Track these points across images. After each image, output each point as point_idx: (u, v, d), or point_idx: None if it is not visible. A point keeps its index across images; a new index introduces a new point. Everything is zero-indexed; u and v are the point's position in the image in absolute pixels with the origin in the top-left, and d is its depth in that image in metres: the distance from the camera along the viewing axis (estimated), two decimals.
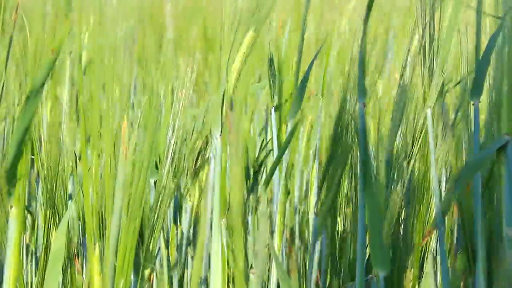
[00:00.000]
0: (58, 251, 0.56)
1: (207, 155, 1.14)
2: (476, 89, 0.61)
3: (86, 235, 0.54)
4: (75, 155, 1.01)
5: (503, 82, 0.59)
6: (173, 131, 0.79)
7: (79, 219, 0.94)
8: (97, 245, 0.55)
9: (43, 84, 0.46)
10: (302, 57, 0.90)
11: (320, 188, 0.91)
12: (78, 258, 0.91)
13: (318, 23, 1.45)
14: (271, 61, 0.95)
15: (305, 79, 0.91)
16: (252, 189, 0.95)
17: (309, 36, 1.48)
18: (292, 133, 0.76)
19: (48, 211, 0.88)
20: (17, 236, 0.49)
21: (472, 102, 0.61)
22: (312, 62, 0.92)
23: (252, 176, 1.03)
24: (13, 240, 0.49)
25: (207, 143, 1.13)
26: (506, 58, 0.59)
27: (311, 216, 1.21)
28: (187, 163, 1.13)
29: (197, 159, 1.15)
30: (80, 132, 0.51)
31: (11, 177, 0.47)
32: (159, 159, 0.97)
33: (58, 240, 0.52)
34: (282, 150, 0.76)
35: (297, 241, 1.22)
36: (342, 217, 0.96)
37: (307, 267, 1.05)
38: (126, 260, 0.56)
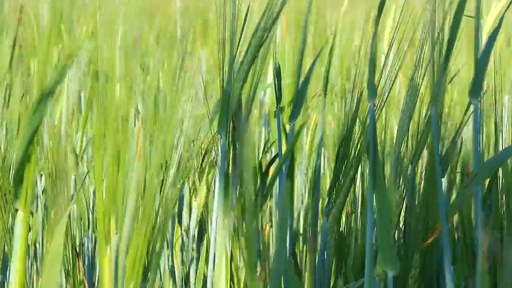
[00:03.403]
0: (56, 252, 0.56)
1: (213, 155, 1.15)
2: (475, 89, 0.61)
3: (98, 237, 0.54)
4: (76, 155, 1.03)
5: None
6: (181, 131, 0.80)
7: (81, 219, 0.95)
8: (108, 246, 0.56)
9: (54, 88, 0.47)
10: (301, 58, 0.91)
11: (331, 190, 0.91)
12: (80, 258, 0.91)
13: (314, 24, 1.46)
14: (275, 61, 0.95)
15: (306, 80, 0.92)
16: (261, 190, 0.95)
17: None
18: (296, 136, 0.77)
19: (51, 212, 0.88)
20: (23, 240, 0.50)
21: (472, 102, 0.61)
22: (313, 64, 0.93)
23: (260, 177, 1.03)
24: (19, 243, 0.50)
25: (214, 142, 1.14)
26: None
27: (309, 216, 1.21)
28: (194, 162, 1.14)
29: (203, 159, 1.16)
30: (96, 132, 0.52)
31: (18, 180, 0.48)
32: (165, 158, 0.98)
33: (55, 241, 0.52)
34: (286, 154, 0.77)
35: (301, 242, 1.23)
36: (346, 217, 0.96)
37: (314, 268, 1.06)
38: (137, 262, 0.57)
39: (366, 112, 0.90)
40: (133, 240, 0.56)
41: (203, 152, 1.15)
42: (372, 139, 0.58)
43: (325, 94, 0.99)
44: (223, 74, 0.76)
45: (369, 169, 0.59)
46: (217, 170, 1.01)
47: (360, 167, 0.93)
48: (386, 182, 0.60)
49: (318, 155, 0.96)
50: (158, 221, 0.79)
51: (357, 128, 0.90)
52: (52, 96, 0.47)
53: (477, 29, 0.58)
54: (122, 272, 0.57)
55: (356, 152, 0.90)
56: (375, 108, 0.84)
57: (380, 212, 0.59)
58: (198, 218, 1.19)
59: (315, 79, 1.52)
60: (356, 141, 0.89)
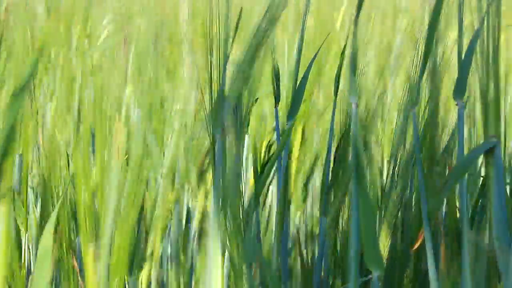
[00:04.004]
0: (45, 251, 0.56)
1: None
2: (459, 89, 0.62)
3: (80, 235, 0.55)
4: (67, 154, 1.03)
5: (489, 84, 0.59)
6: (173, 131, 0.80)
7: (71, 217, 0.96)
8: (91, 244, 0.56)
9: (28, 83, 0.47)
10: (303, 58, 0.91)
11: (329, 190, 0.91)
12: (74, 257, 0.92)
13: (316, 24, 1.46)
14: (274, 60, 0.95)
15: (304, 79, 0.92)
16: (259, 188, 0.96)
17: (308, 35, 1.50)
18: (287, 134, 0.77)
19: (41, 211, 0.89)
20: (5, 235, 0.50)
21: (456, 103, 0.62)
22: (311, 64, 0.93)
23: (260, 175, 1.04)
24: (1, 239, 0.50)
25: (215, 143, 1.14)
26: (491, 59, 0.59)
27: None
28: (194, 164, 1.14)
29: (204, 159, 1.16)
30: (74, 130, 0.52)
31: None
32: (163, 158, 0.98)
33: (45, 239, 0.52)
34: (279, 149, 0.77)
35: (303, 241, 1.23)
36: (343, 216, 0.97)
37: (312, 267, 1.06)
38: (120, 259, 0.57)
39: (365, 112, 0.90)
40: (116, 238, 0.57)
41: (205, 153, 1.16)
42: (355, 140, 0.58)
43: (336, 95, 0.99)
44: (218, 73, 0.76)
45: (352, 169, 0.59)
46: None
47: None
48: (369, 182, 0.60)
49: (327, 157, 0.96)
50: (152, 218, 0.80)
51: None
52: (27, 89, 0.47)
53: (460, 29, 0.58)
54: (105, 269, 0.58)
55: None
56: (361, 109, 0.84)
57: (363, 212, 0.59)
58: (199, 219, 1.19)
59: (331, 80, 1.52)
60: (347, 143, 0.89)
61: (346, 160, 0.92)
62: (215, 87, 0.76)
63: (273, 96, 0.96)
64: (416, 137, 0.63)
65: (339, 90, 1.56)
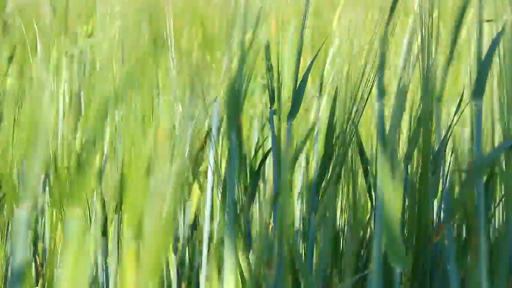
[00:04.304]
0: (85, 256, 0.57)
1: (205, 154, 1.16)
2: (478, 90, 0.63)
3: (123, 234, 0.56)
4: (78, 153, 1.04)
5: (508, 82, 0.61)
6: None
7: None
8: (132, 243, 0.57)
9: (110, 99, 0.48)
10: (301, 57, 0.93)
11: (317, 187, 0.93)
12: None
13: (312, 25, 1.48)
14: (268, 60, 0.96)
15: (304, 80, 0.93)
16: (253, 187, 0.98)
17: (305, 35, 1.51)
18: (306, 137, 0.78)
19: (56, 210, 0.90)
20: (77, 237, 0.51)
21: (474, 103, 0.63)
22: (311, 64, 0.95)
23: (251, 174, 1.05)
24: (73, 241, 0.51)
25: (205, 142, 1.15)
26: (508, 58, 0.61)
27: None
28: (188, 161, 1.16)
29: (196, 157, 1.17)
30: (124, 132, 0.54)
31: (77, 177, 0.49)
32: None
33: (87, 244, 0.53)
34: (295, 154, 0.78)
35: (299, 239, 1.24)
36: (341, 213, 0.98)
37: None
38: (158, 259, 0.58)
39: (346, 111, 0.91)
40: (156, 238, 0.58)
41: (196, 151, 1.17)
42: (381, 138, 0.60)
43: (320, 93, 1.01)
44: (233, 73, 0.77)
45: (378, 166, 0.60)
46: (210, 167, 1.03)
47: (347, 164, 0.94)
48: (394, 179, 0.61)
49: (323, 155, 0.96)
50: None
51: (343, 126, 0.91)
52: (114, 104, 0.48)
53: (480, 28, 0.59)
54: (143, 271, 0.59)
55: (341, 149, 0.91)
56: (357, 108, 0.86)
57: (387, 208, 0.60)
58: (192, 217, 1.20)
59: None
60: (335, 139, 0.90)
61: (333, 157, 0.93)
62: (228, 87, 0.78)
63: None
64: (438, 133, 0.65)
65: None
